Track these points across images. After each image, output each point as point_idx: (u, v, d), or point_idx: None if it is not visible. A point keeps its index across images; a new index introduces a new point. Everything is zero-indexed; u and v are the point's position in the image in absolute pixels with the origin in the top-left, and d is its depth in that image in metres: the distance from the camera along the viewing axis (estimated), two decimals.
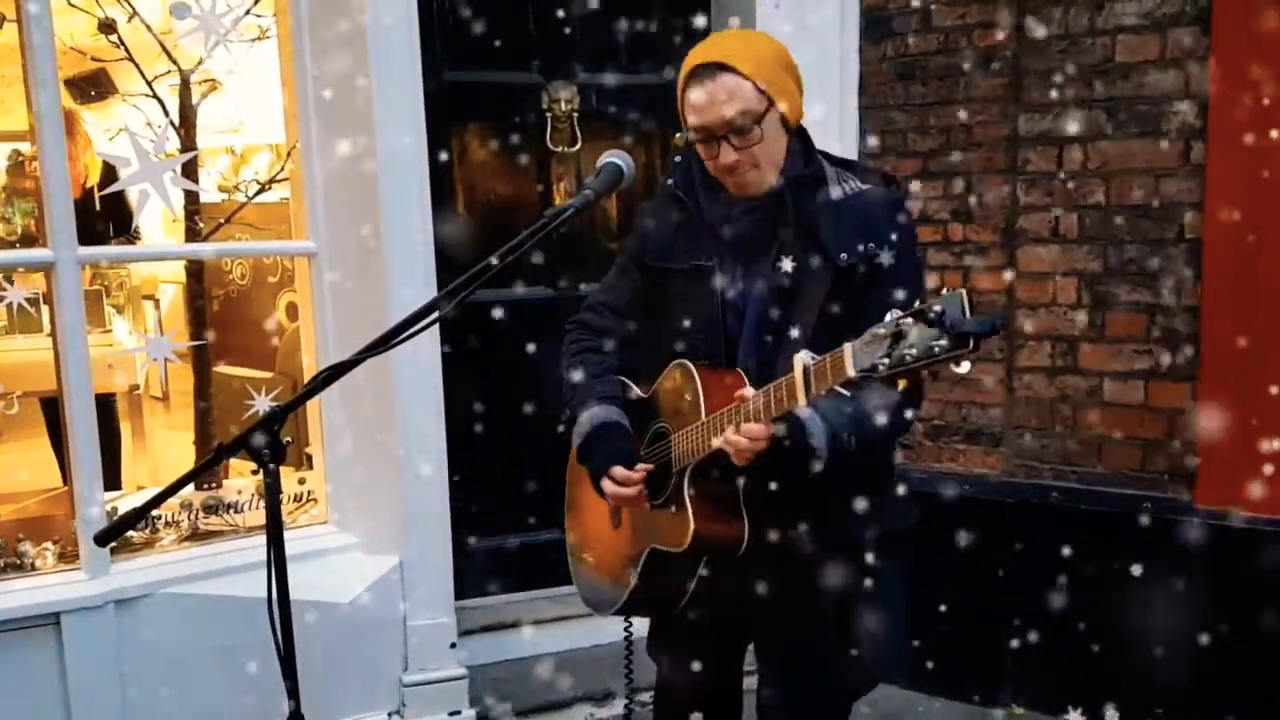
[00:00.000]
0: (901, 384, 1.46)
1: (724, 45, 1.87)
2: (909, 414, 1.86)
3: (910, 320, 1.42)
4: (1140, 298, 3.18)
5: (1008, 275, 3.37)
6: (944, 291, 1.41)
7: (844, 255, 1.80)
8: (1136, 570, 3.06)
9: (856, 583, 1.90)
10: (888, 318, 1.45)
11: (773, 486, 1.79)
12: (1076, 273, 3.27)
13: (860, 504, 1.87)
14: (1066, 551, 3.18)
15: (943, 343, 1.39)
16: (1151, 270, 3.15)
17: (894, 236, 1.83)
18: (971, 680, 3.37)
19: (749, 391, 1.71)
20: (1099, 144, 3.20)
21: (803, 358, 1.58)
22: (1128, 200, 3.17)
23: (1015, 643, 3.26)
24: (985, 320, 1.38)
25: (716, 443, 1.73)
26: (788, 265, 1.84)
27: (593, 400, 2.00)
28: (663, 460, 1.93)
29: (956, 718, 3.37)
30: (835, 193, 1.88)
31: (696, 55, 1.85)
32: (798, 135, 1.92)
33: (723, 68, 1.80)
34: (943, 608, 3.20)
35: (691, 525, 1.80)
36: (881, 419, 1.77)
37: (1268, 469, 2.90)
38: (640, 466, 1.92)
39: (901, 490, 2.00)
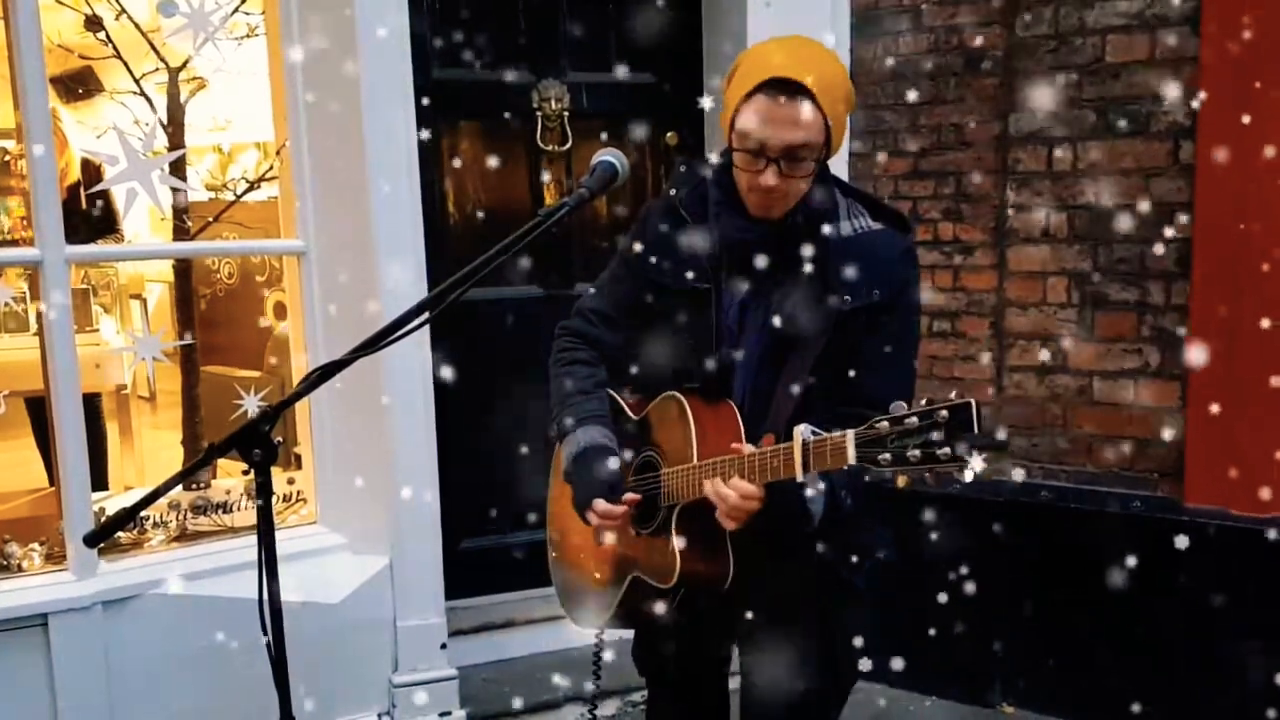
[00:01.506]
0: (902, 481, 1.45)
1: (808, 65, 1.72)
2: None
3: (915, 420, 1.41)
4: (1130, 297, 3.19)
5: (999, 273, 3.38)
6: (953, 396, 1.40)
7: (848, 298, 1.74)
8: (1126, 569, 3.07)
9: (840, 614, 1.88)
10: (893, 409, 1.43)
11: (759, 528, 1.75)
12: (1066, 272, 3.28)
13: (848, 541, 1.84)
14: (1056, 550, 3.19)
15: (946, 450, 1.38)
16: (1141, 270, 3.16)
17: (901, 288, 1.78)
18: (962, 678, 3.38)
19: (747, 448, 1.67)
20: (1089, 143, 3.21)
21: (803, 432, 1.56)
22: (1118, 200, 3.17)
23: (1005, 641, 3.27)
24: (988, 439, 1.38)
25: (706, 492, 1.70)
26: (792, 298, 1.79)
27: (581, 419, 1.94)
28: (650, 491, 1.90)
29: (947, 716, 3.37)
30: (845, 229, 1.81)
31: (774, 65, 1.71)
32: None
33: (803, 91, 1.68)
34: (932, 606, 3.21)
35: (677, 566, 1.78)
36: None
37: (1256, 468, 2.91)
38: (627, 497, 1.88)
39: (880, 520, 1.95)
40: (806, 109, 1.68)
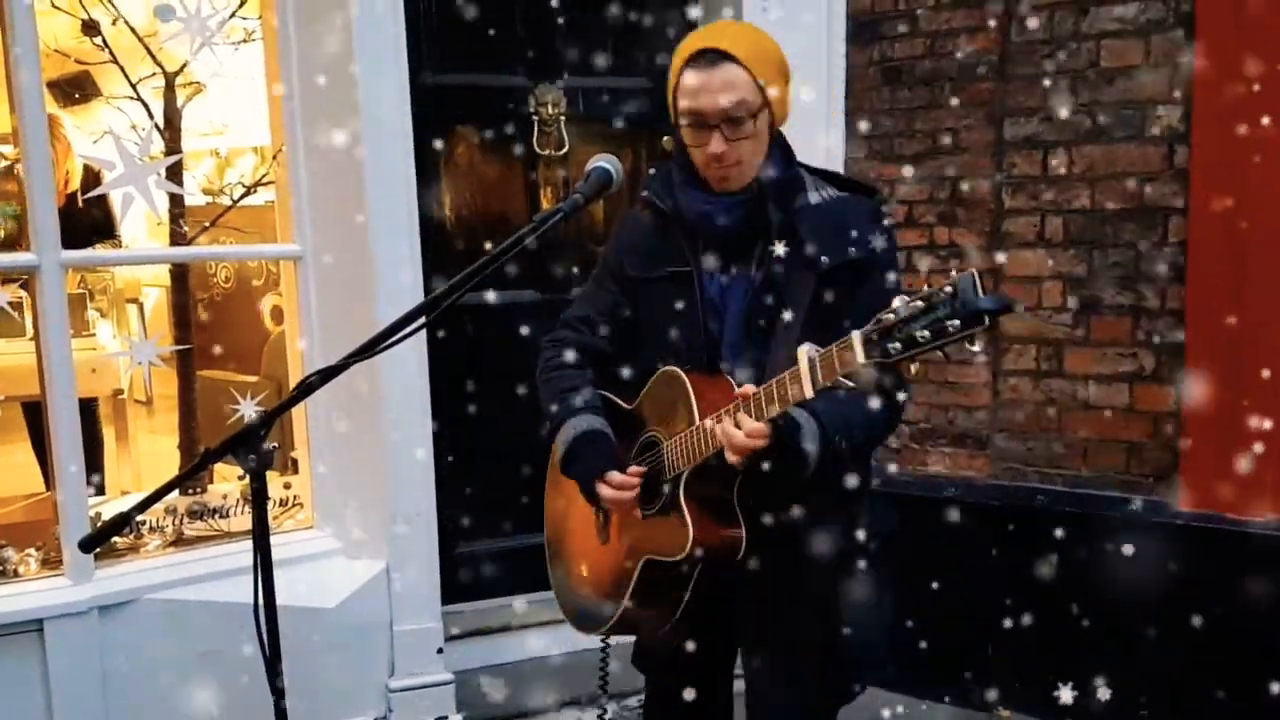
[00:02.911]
0: (915, 368, 1.45)
1: (727, 34, 1.85)
2: (897, 416, 1.86)
3: (920, 304, 1.41)
4: (1125, 301, 3.19)
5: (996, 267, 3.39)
6: (953, 273, 1.41)
7: (825, 259, 1.78)
8: (1121, 573, 3.08)
9: (845, 586, 1.90)
10: (895, 303, 1.43)
11: (766, 490, 1.78)
12: (1062, 276, 3.28)
13: (851, 506, 1.87)
14: (1052, 554, 3.19)
15: (955, 322, 1.39)
16: (1136, 274, 3.17)
17: (876, 242, 1.81)
18: (958, 682, 3.37)
19: (750, 388, 1.70)
20: (1084, 148, 3.22)
21: (807, 350, 1.56)
22: (1113, 203, 3.18)
23: (1002, 645, 3.27)
24: (999, 299, 1.39)
25: (716, 432, 1.71)
26: (770, 266, 1.83)
27: (575, 410, 1.97)
28: (655, 469, 1.91)
29: (944, 719, 3.38)
30: (813, 198, 1.87)
31: (697, 40, 1.83)
32: (778, 139, 1.91)
33: (725, 56, 1.78)
34: (929, 610, 3.21)
35: (691, 532, 1.77)
36: (873, 422, 1.77)
37: (1252, 472, 2.92)
38: (633, 469, 1.90)
39: (878, 494, 2.01)
40: (730, 69, 1.78)
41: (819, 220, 1.83)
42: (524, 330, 3.09)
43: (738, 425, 1.68)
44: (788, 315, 1.80)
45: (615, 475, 1.89)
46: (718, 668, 2.15)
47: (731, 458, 1.70)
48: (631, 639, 2.16)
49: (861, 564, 1.92)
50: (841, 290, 1.78)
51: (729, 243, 1.89)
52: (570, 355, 2.05)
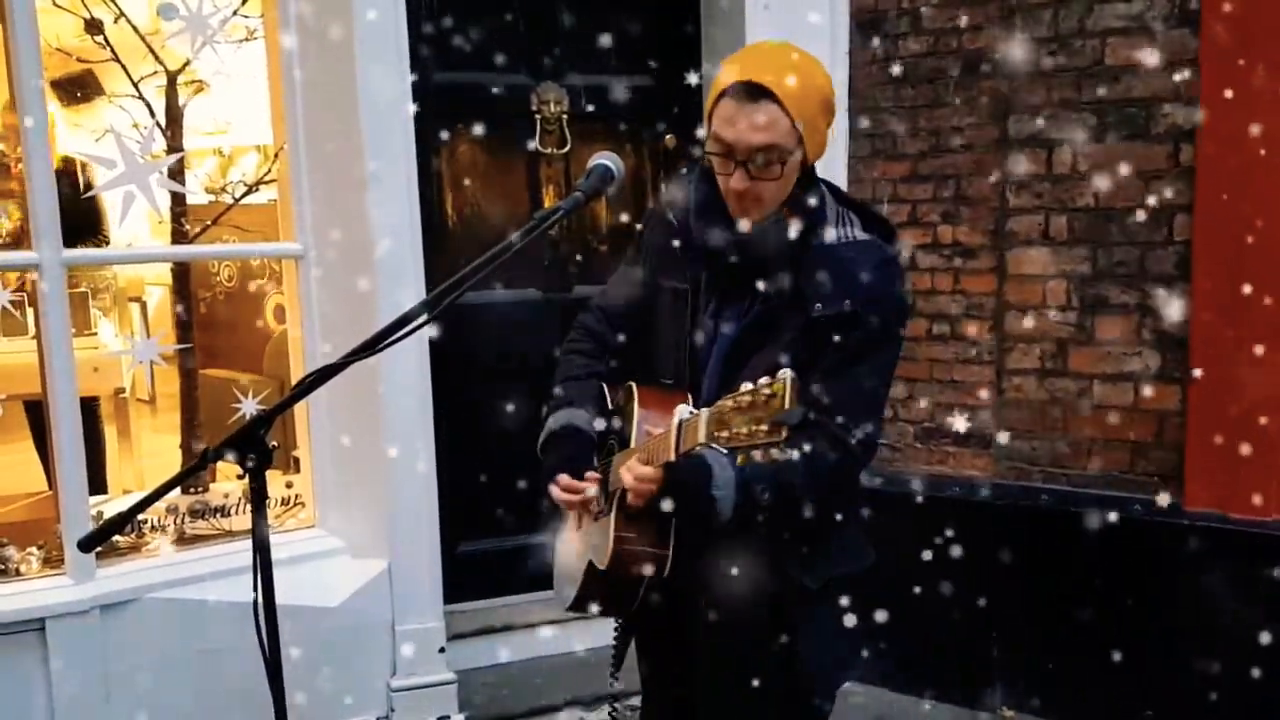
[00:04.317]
0: (741, 459, 1.45)
1: (774, 68, 1.73)
2: (850, 464, 1.78)
3: (747, 398, 1.41)
4: (1130, 300, 3.18)
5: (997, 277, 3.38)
6: (780, 374, 1.38)
7: (819, 306, 1.72)
8: (1126, 573, 3.07)
9: (793, 626, 1.81)
10: (743, 387, 1.42)
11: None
12: (1066, 275, 3.27)
13: (800, 548, 1.80)
14: (1056, 554, 3.18)
15: (764, 428, 1.38)
16: (1141, 273, 3.16)
17: (873, 300, 1.73)
18: (960, 682, 3.37)
19: (658, 430, 1.71)
20: (1088, 146, 3.21)
21: (680, 412, 1.59)
22: (1117, 203, 3.17)
23: (1004, 645, 3.26)
24: (795, 412, 1.37)
25: (621, 474, 1.72)
26: (765, 301, 1.81)
27: (562, 404, 1.98)
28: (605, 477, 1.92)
29: (945, 719, 3.37)
30: (830, 235, 1.80)
31: (743, 69, 1.74)
32: (809, 171, 1.85)
33: (767, 94, 1.70)
34: (932, 609, 3.20)
35: (610, 546, 1.79)
36: (816, 472, 1.68)
37: (1256, 472, 2.91)
38: (589, 475, 1.88)
39: (854, 531, 1.92)
40: (770, 111, 1.70)
41: (826, 265, 1.75)
42: (526, 329, 3.09)
43: (628, 467, 1.70)
44: (765, 353, 1.77)
45: (564, 479, 1.88)
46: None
47: (630, 499, 1.71)
48: (589, 644, 2.18)
49: (828, 604, 1.87)
50: (825, 337, 1.73)
51: (727, 277, 1.86)
52: (586, 344, 2.06)
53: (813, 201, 1.82)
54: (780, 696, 1.83)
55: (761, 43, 1.84)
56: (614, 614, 2.01)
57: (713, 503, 1.68)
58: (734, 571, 1.74)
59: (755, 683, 1.79)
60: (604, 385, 2.03)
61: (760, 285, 1.81)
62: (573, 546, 2.06)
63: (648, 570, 1.79)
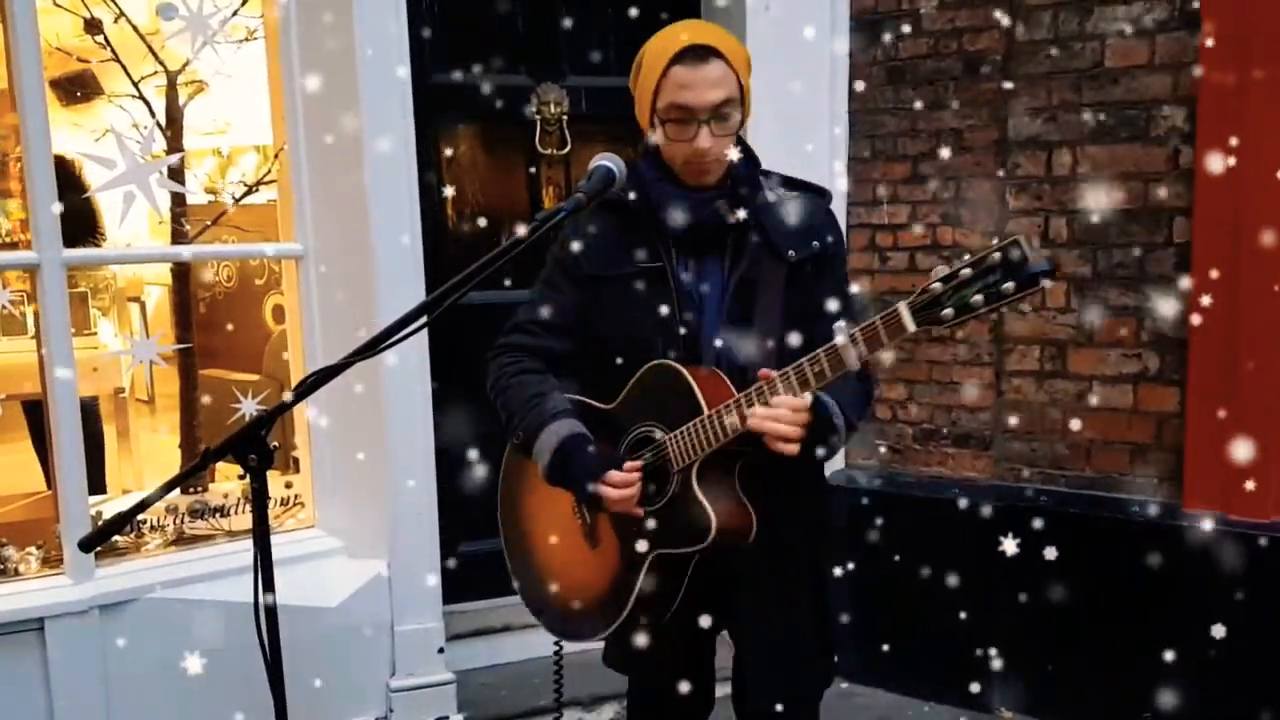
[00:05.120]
0: (960, 333, 1.56)
1: (710, 32, 1.89)
2: (872, 396, 2.00)
3: (969, 270, 1.49)
4: (1129, 301, 3.18)
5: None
6: (999, 238, 1.48)
7: (792, 252, 1.89)
8: (1125, 574, 3.07)
9: (827, 569, 2.05)
10: (937, 270, 1.52)
11: (766, 475, 1.83)
12: (1065, 276, 3.27)
13: (826, 487, 1.99)
14: (1054, 555, 3.17)
15: (1009, 285, 1.46)
16: (1140, 274, 3.16)
17: (834, 237, 1.96)
18: (960, 683, 3.37)
19: (770, 372, 1.73)
20: (1088, 148, 3.21)
21: (843, 326, 1.65)
22: (1117, 204, 3.17)
23: (1004, 646, 3.26)
24: (1050, 261, 1.47)
25: (752, 423, 1.72)
26: (743, 259, 1.90)
27: (551, 417, 1.93)
28: (653, 464, 1.89)
29: (945, 719, 3.37)
30: (770, 196, 1.94)
31: (684, 36, 1.85)
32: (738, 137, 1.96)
33: (714, 53, 1.83)
34: (931, 611, 3.20)
35: (714, 520, 1.80)
36: (861, 401, 1.91)
37: (1255, 474, 2.91)
38: (630, 465, 1.87)
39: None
40: (720, 67, 1.83)
41: (781, 215, 1.91)
42: None
43: (776, 403, 1.71)
44: (764, 304, 1.87)
45: (615, 474, 1.86)
46: (703, 661, 2.14)
47: (783, 445, 1.72)
48: (588, 644, 2.16)
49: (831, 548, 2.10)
50: (809, 280, 1.90)
51: (702, 236, 1.91)
52: (530, 362, 2.04)
53: (749, 165, 1.96)
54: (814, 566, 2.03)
55: (680, 21, 1.94)
56: (659, 613, 1.95)
57: (839, 431, 1.80)
58: (787, 521, 1.92)
59: (796, 598, 1.98)
60: (576, 397, 2.01)
61: (730, 243, 1.91)
62: (582, 576, 2.03)
63: (740, 537, 1.85)
